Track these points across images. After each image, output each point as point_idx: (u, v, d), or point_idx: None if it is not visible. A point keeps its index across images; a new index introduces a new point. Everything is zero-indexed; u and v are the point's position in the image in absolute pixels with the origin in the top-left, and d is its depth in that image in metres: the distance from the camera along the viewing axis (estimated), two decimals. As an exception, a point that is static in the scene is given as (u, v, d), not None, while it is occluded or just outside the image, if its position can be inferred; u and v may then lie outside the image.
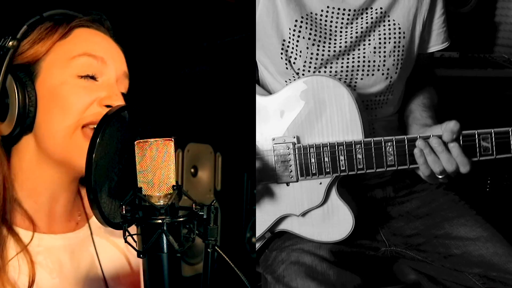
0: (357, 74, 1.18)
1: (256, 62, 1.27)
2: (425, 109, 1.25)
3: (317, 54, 1.16)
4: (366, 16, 1.17)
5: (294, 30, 1.15)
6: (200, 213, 0.77)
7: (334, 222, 1.14)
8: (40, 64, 0.87)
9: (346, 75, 1.18)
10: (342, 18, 1.16)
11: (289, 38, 1.16)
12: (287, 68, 1.18)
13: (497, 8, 2.44)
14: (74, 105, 0.86)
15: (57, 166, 0.90)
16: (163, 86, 1.60)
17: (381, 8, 1.17)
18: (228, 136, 1.74)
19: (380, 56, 1.18)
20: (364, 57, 1.17)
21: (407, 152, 1.08)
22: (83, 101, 0.87)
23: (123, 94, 0.93)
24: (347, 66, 1.17)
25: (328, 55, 1.16)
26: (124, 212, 0.74)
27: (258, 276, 1.36)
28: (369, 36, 1.17)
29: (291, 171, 1.14)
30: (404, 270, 1.32)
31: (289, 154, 1.14)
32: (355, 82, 1.18)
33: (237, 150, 1.72)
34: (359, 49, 1.17)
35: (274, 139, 1.14)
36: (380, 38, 1.17)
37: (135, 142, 0.74)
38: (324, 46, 1.16)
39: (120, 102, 0.90)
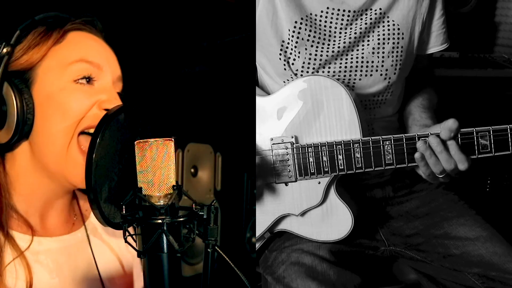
0: (355, 75, 1.18)
1: (256, 62, 1.27)
2: (424, 110, 1.25)
3: (316, 55, 1.16)
4: (366, 17, 1.17)
5: (294, 31, 1.15)
6: (200, 213, 0.77)
7: (333, 221, 1.14)
8: (35, 71, 0.86)
9: (345, 76, 1.18)
10: (342, 19, 1.16)
11: (288, 39, 1.16)
12: (285, 69, 1.18)
13: (497, 8, 2.44)
14: (74, 109, 0.86)
15: (51, 177, 0.90)
16: (163, 86, 1.60)
17: (380, 9, 1.17)
18: (228, 136, 1.74)
19: (378, 57, 1.18)
20: (362, 57, 1.17)
21: (405, 151, 1.08)
22: (83, 105, 0.87)
23: (119, 93, 0.93)
24: (346, 67, 1.17)
25: (327, 56, 1.16)
26: (124, 212, 0.74)
27: (258, 276, 1.36)
28: (368, 36, 1.18)
29: (289, 171, 1.14)
30: (403, 269, 1.32)
31: (287, 154, 1.14)
32: (354, 83, 1.18)
33: (237, 150, 1.72)
34: (357, 50, 1.17)
35: (272, 139, 1.14)
36: (379, 39, 1.18)
37: (135, 142, 0.74)
38: (323, 47, 1.16)
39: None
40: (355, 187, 1.24)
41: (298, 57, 1.16)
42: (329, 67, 1.17)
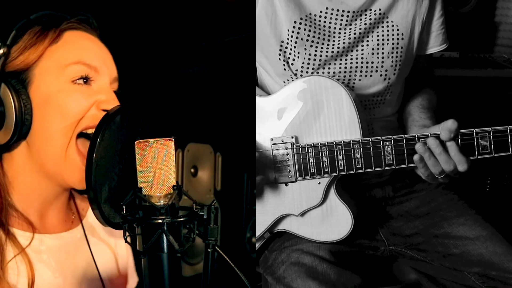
0: (355, 75, 1.18)
1: (256, 62, 1.27)
2: (423, 110, 1.25)
3: (315, 55, 1.16)
4: (365, 18, 1.17)
5: (293, 32, 1.15)
6: (200, 213, 0.77)
7: (333, 222, 1.14)
8: (32, 71, 0.86)
9: (344, 76, 1.18)
10: (341, 20, 1.16)
11: (288, 39, 1.16)
12: (285, 69, 1.18)
13: (497, 8, 2.44)
14: (73, 110, 0.86)
15: (49, 177, 0.90)
16: (163, 86, 1.60)
17: (380, 9, 1.17)
18: (228, 136, 1.74)
19: (378, 58, 1.18)
20: (362, 58, 1.18)
21: (405, 152, 1.08)
22: (82, 106, 0.87)
23: (115, 92, 0.93)
24: (345, 67, 1.17)
25: (326, 56, 1.16)
26: (124, 212, 0.74)
27: (258, 276, 1.36)
28: (368, 37, 1.18)
29: (289, 171, 1.14)
30: (403, 269, 1.32)
31: (287, 154, 1.14)
32: (353, 83, 1.19)
33: (237, 150, 1.72)
34: (357, 50, 1.18)
35: (272, 139, 1.14)
36: (378, 40, 1.18)
37: (135, 142, 0.75)
38: (322, 48, 1.16)
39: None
40: (355, 187, 1.24)
41: (298, 57, 1.16)
42: (329, 68, 1.17)
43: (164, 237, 0.72)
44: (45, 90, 0.86)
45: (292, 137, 1.13)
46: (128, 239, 0.74)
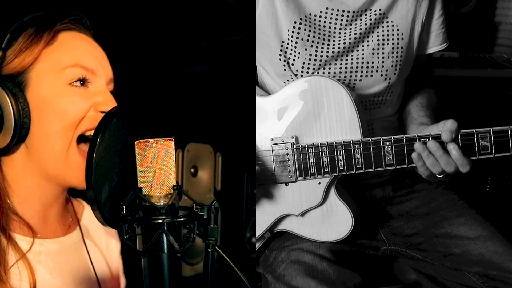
0: (355, 76, 1.18)
1: (256, 62, 1.27)
2: (422, 108, 1.25)
3: (316, 56, 1.16)
4: (365, 18, 1.17)
5: (293, 32, 1.15)
6: (200, 213, 0.77)
7: (333, 222, 1.14)
8: (28, 74, 0.86)
9: (345, 77, 1.18)
10: (341, 20, 1.16)
11: (288, 39, 1.16)
12: (285, 69, 1.18)
13: (497, 8, 2.44)
14: (72, 113, 0.86)
15: (49, 179, 0.90)
16: (163, 86, 1.60)
17: (380, 9, 1.17)
18: (228, 136, 1.74)
19: (378, 58, 1.18)
20: (362, 58, 1.18)
21: (405, 152, 1.08)
22: (80, 108, 0.87)
23: (111, 91, 0.93)
24: (346, 68, 1.17)
25: (327, 56, 1.16)
26: (124, 212, 0.74)
27: (258, 276, 1.36)
28: (368, 37, 1.18)
29: (290, 171, 1.14)
30: (404, 269, 1.32)
31: (287, 154, 1.14)
32: (354, 83, 1.19)
33: (237, 150, 1.72)
34: (357, 51, 1.18)
35: (272, 140, 1.14)
36: (378, 40, 1.18)
37: (136, 142, 0.75)
38: (322, 48, 1.16)
39: None
40: (355, 187, 1.24)
41: (298, 57, 1.16)
42: (329, 68, 1.17)
43: (164, 237, 0.72)
44: (42, 93, 0.86)
45: (292, 137, 1.13)
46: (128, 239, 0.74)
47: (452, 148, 1.04)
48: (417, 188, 1.31)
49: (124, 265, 1.06)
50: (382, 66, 1.18)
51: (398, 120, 1.30)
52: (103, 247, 1.02)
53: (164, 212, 0.73)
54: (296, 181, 1.15)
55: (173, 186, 0.74)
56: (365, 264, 1.24)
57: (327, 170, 1.12)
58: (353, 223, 1.13)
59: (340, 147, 1.10)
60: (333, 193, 1.14)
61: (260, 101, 1.17)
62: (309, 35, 1.16)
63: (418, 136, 1.07)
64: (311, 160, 1.12)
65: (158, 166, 0.74)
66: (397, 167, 1.09)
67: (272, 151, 1.15)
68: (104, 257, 1.02)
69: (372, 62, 1.18)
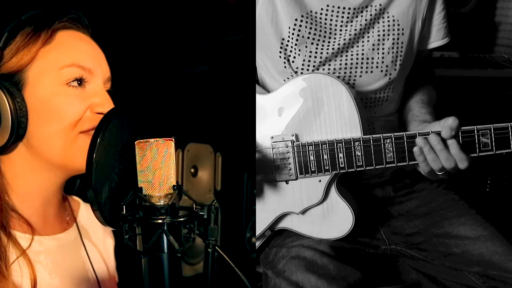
0: (355, 72, 1.18)
1: (256, 61, 1.27)
2: (423, 105, 1.25)
3: (316, 53, 1.16)
4: (365, 13, 1.16)
5: (294, 29, 1.15)
6: (200, 213, 0.77)
7: (333, 219, 1.14)
8: (25, 73, 0.85)
9: (345, 73, 1.18)
10: (342, 17, 1.16)
11: (288, 37, 1.16)
12: (285, 67, 1.18)
13: (497, 8, 2.44)
14: (69, 113, 0.86)
15: (53, 169, 0.89)
16: (163, 86, 1.60)
17: (380, 4, 1.17)
18: (228, 136, 1.74)
19: (379, 53, 1.18)
20: (363, 54, 1.17)
21: (406, 149, 1.08)
22: (77, 109, 0.86)
23: (108, 91, 0.93)
24: (346, 64, 1.17)
25: (327, 53, 1.16)
26: (124, 212, 0.74)
27: (258, 276, 1.36)
28: (368, 33, 1.17)
29: (290, 169, 1.14)
30: (404, 269, 1.32)
31: (288, 152, 1.14)
32: (354, 80, 1.18)
33: (237, 150, 1.72)
34: (357, 46, 1.17)
35: (272, 137, 1.14)
36: (379, 35, 1.17)
37: (136, 142, 0.74)
38: (323, 45, 1.16)
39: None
40: (356, 187, 1.24)
41: (299, 55, 1.16)
42: (329, 65, 1.17)
43: (164, 237, 0.72)
44: (39, 93, 0.86)
45: (293, 135, 1.13)
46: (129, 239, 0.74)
47: (452, 143, 1.04)
48: (418, 188, 1.31)
49: (116, 262, 1.06)
50: (383, 62, 1.18)
51: (398, 119, 1.29)
52: (99, 243, 1.02)
53: (164, 212, 0.73)
54: (296, 179, 1.15)
55: (173, 186, 0.74)
56: (365, 262, 1.24)
57: (327, 167, 1.12)
58: (354, 220, 1.13)
59: (341, 144, 1.10)
60: (333, 191, 1.14)
61: (260, 99, 1.17)
62: (309, 32, 1.16)
63: (418, 133, 1.07)
64: (312, 157, 1.12)
65: (158, 166, 0.74)
66: (397, 165, 1.09)
67: (272, 149, 1.15)
68: (101, 253, 1.02)
69: (372, 58, 1.18)
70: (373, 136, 1.09)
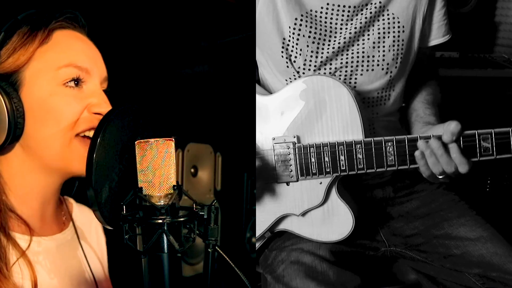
0: (356, 70, 1.18)
1: (256, 61, 1.27)
2: (428, 106, 1.25)
3: (317, 52, 1.16)
4: (366, 11, 1.16)
5: (294, 29, 1.15)
6: (200, 213, 0.77)
7: (334, 222, 1.14)
8: (22, 73, 0.85)
9: (346, 71, 1.18)
10: (342, 15, 1.16)
11: (289, 36, 1.16)
12: (287, 66, 1.18)
13: (497, 8, 2.44)
14: (66, 114, 0.85)
15: (50, 172, 0.89)
16: (163, 86, 1.60)
17: (380, 2, 1.16)
18: (228, 136, 1.74)
19: (379, 51, 1.18)
20: (363, 52, 1.17)
21: (407, 152, 1.08)
22: (74, 110, 0.86)
23: (105, 90, 0.93)
24: (347, 62, 1.17)
25: (328, 52, 1.16)
26: (124, 212, 0.74)
27: (258, 276, 1.36)
28: (368, 31, 1.17)
29: (291, 171, 1.14)
30: (404, 270, 1.32)
31: (289, 154, 1.14)
32: (355, 78, 1.18)
33: (237, 150, 1.72)
34: (358, 45, 1.17)
35: (274, 139, 1.14)
36: (379, 33, 1.17)
37: (136, 142, 0.74)
38: (324, 44, 1.16)
39: (108, 108, 0.88)
40: (356, 188, 1.24)
41: (300, 54, 1.16)
42: (331, 64, 1.17)
43: (164, 237, 0.72)
44: (36, 93, 0.85)
45: (294, 137, 1.13)
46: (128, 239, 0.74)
47: (452, 147, 1.04)
48: (418, 189, 1.31)
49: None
50: (383, 60, 1.18)
51: (401, 119, 1.29)
52: (94, 243, 1.03)
53: (164, 212, 0.73)
54: (297, 181, 1.14)
55: (173, 186, 0.74)
56: (365, 264, 1.24)
57: (328, 170, 1.11)
58: (354, 223, 1.13)
59: (342, 147, 1.10)
60: (334, 193, 1.14)
61: (262, 100, 1.17)
62: (310, 32, 1.16)
63: (420, 136, 1.07)
64: (313, 159, 1.12)
65: (158, 166, 0.74)
66: (398, 168, 1.09)
67: (274, 150, 1.15)
68: (96, 253, 1.02)
69: (373, 56, 1.18)
70: (375, 139, 1.09)
